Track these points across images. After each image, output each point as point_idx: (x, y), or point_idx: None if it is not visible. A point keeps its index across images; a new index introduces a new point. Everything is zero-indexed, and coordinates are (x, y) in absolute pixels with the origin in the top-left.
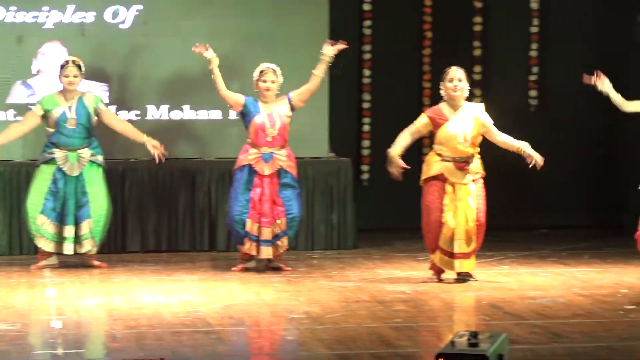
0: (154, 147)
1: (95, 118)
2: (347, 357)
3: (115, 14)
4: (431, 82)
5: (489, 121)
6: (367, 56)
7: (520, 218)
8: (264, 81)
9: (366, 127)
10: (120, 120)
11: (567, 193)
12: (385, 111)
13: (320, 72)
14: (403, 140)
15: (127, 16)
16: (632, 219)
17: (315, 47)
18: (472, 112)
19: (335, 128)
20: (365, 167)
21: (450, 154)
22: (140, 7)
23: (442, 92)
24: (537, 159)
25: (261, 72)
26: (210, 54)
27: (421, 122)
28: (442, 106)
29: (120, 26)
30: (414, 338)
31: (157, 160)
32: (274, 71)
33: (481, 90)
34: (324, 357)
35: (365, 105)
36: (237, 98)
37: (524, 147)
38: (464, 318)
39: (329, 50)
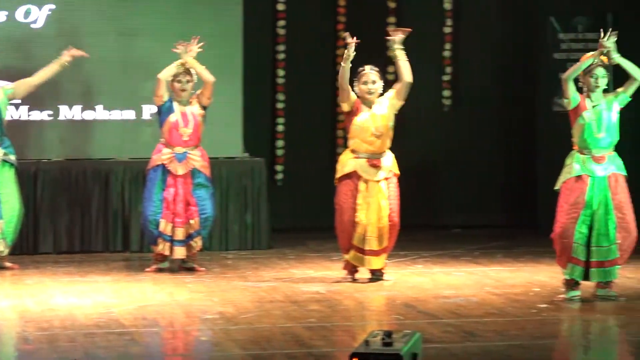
0: (68, 55)
1: (7, 119)
2: (261, 357)
3: (27, 14)
4: None
5: (391, 94)
6: (281, 56)
7: (434, 217)
8: (179, 81)
9: (280, 128)
10: (33, 77)
11: (480, 192)
12: (299, 111)
13: (198, 68)
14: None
15: (39, 16)
16: (545, 218)
17: (230, 46)
18: (384, 107)
19: (249, 128)
20: (279, 167)
21: (364, 148)
22: (53, 6)
23: (356, 90)
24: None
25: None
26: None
27: (352, 93)
28: (359, 102)
29: (32, 26)
30: (328, 338)
31: (86, 55)
32: (189, 71)
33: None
34: (238, 358)
35: (279, 105)
36: (165, 92)
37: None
38: (377, 317)
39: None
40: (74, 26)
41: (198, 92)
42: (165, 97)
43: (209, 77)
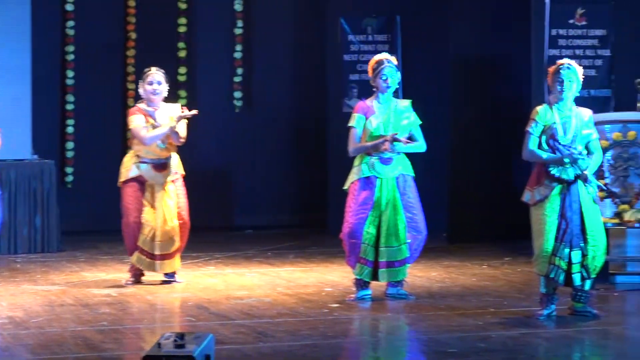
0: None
1: None
2: None
3: None
4: (135, 83)
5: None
6: (70, 57)
7: (226, 219)
8: None
9: (70, 129)
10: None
11: (272, 193)
12: (89, 112)
13: None
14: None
15: None
16: (335, 219)
17: (18, 46)
18: (170, 112)
19: (39, 130)
20: (69, 169)
21: (149, 155)
22: None
23: (141, 92)
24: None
25: None
26: None
27: (136, 120)
28: (142, 105)
29: None
30: (119, 341)
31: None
32: None
33: (186, 91)
34: None
35: (69, 107)
36: None
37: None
38: (170, 319)
39: None
40: None
41: None
42: None
43: None
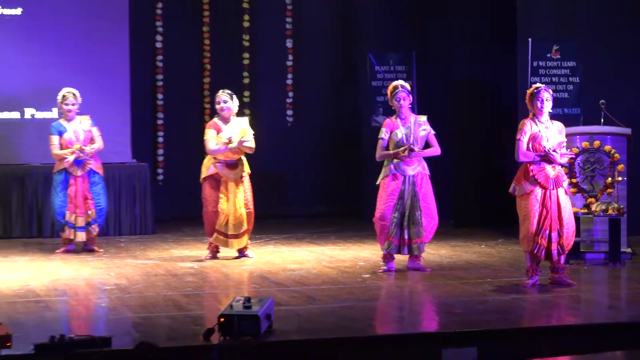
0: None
1: None
2: (149, 319)
3: None
4: (210, 104)
5: (249, 131)
6: (159, 84)
7: (282, 209)
8: (66, 104)
9: (160, 139)
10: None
11: (317, 189)
12: (174, 127)
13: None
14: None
15: None
16: (368, 209)
17: (120, 75)
18: (239, 124)
19: (137, 140)
20: (160, 171)
21: (223, 157)
22: None
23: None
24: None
25: (63, 96)
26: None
27: (209, 134)
28: (217, 120)
29: None
30: (200, 303)
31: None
32: (74, 95)
33: (250, 110)
34: (129, 319)
35: (159, 122)
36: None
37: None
38: (239, 286)
39: None
40: None
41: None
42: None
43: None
